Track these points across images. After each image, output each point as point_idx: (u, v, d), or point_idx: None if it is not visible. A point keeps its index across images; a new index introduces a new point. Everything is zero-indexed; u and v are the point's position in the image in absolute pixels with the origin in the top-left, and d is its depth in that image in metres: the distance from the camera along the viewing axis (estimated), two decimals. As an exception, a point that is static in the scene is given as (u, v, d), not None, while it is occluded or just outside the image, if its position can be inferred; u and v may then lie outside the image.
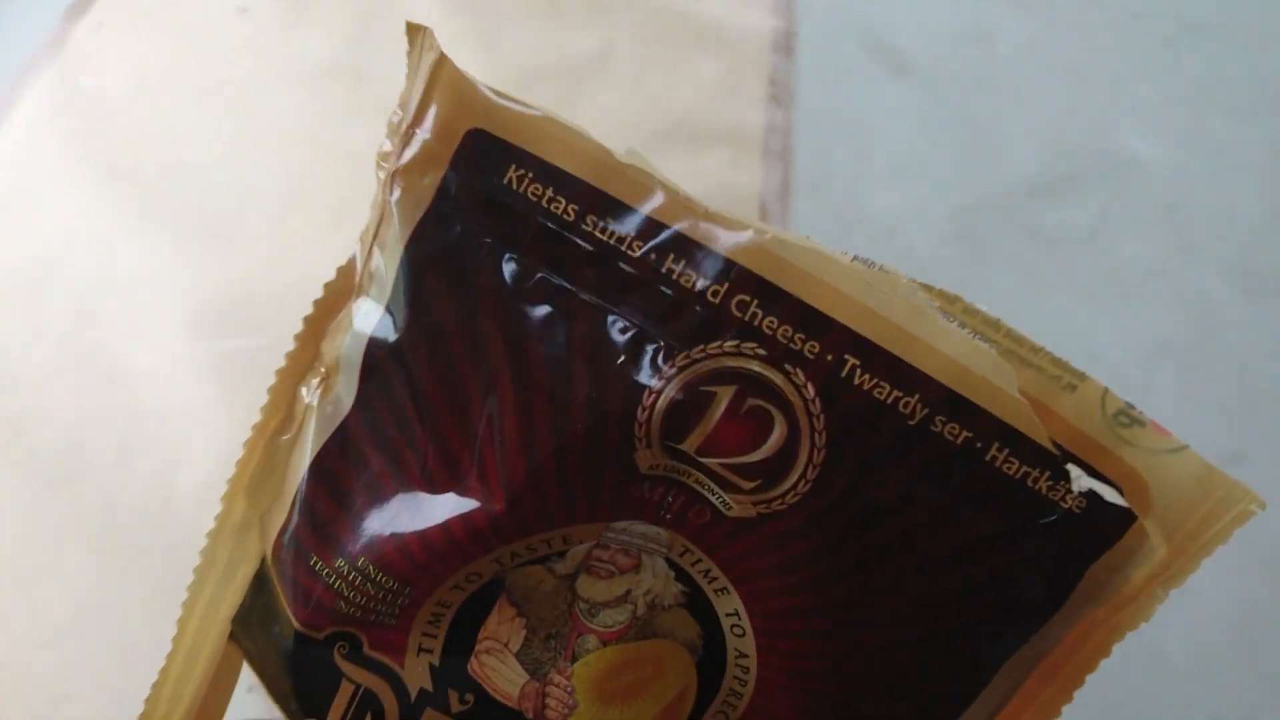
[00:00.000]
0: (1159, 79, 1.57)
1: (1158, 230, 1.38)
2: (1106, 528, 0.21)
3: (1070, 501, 0.21)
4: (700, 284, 0.25)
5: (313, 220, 1.39)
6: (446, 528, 0.27)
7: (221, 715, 0.32)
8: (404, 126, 0.27)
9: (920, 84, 1.56)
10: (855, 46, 1.62)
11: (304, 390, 0.28)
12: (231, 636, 0.28)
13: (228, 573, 0.28)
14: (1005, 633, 0.23)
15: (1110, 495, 0.21)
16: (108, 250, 1.36)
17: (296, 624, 0.27)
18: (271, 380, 0.30)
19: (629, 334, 0.26)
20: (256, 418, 0.30)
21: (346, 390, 0.28)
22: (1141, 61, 1.59)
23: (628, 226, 0.27)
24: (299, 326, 0.32)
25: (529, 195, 0.26)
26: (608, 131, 1.25)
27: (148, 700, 0.31)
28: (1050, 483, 0.21)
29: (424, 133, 0.25)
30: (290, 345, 0.31)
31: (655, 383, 0.25)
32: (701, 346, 0.25)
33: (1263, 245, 1.37)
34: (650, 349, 0.26)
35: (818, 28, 1.66)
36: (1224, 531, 0.22)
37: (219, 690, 0.30)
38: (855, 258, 0.26)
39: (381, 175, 0.27)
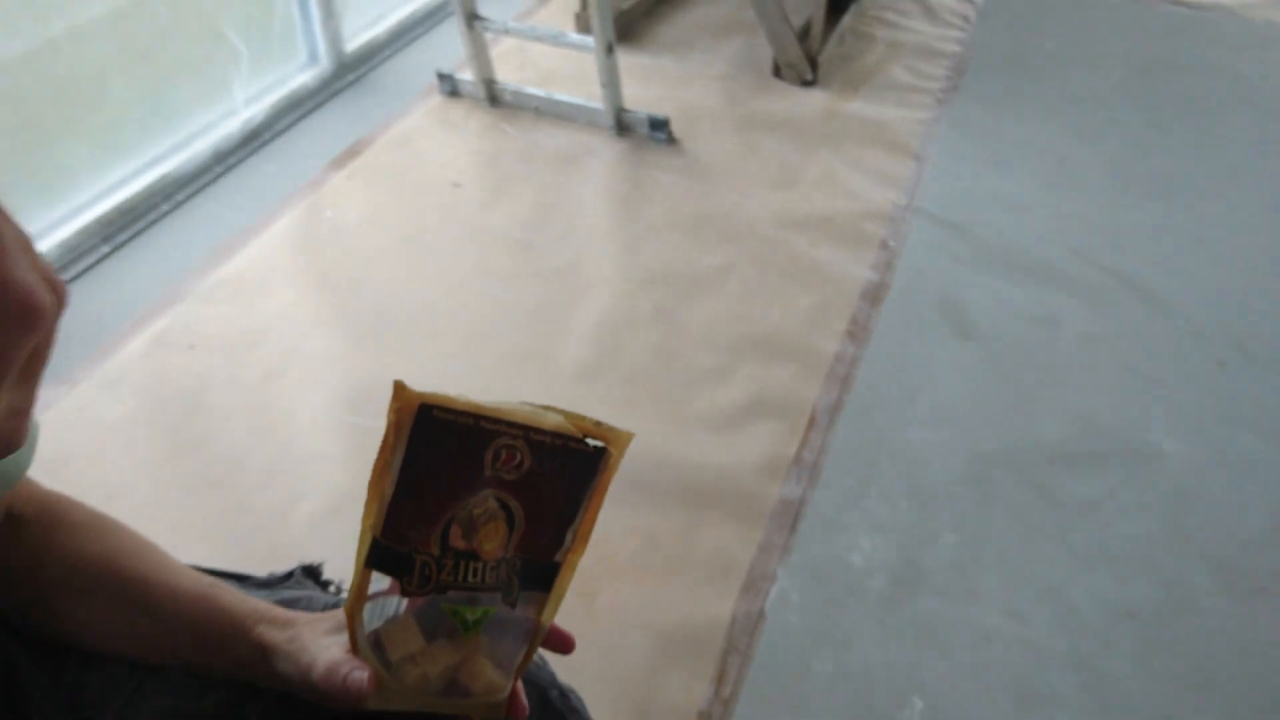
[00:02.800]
0: (1201, 390, 1.74)
1: (1159, 516, 1.53)
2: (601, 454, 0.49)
3: (590, 447, 0.49)
4: None
5: (452, 347, 1.76)
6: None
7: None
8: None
9: (980, 348, 1.80)
10: (934, 309, 1.89)
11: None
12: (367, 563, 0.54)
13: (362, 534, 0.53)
14: (582, 490, 0.50)
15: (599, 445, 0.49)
16: (303, 333, 1.77)
17: (379, 536, 0.53)
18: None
19: None
20: (366, 477, 0.55)
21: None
22: (1189, 372, 1.78)
23: None
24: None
25: None
26: (708, 330, 1.65)
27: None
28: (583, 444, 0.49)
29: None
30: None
31: None
32: None
33: (1264, 553, 1.49)
34: None
35: (908, 288, 1.94)
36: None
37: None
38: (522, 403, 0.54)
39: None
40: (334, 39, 2.48)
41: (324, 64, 2.48)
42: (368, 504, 0.53)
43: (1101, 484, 1.57)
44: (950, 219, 2.13)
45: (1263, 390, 1.75)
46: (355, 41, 2.58)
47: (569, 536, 0.58)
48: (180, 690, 0.62)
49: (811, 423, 1.65)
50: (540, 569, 0.57)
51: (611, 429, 0.57)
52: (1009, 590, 1.41)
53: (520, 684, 0.59)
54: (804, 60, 2.55)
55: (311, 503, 1.46)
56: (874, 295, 1.92)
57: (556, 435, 0.55)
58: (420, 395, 0.51)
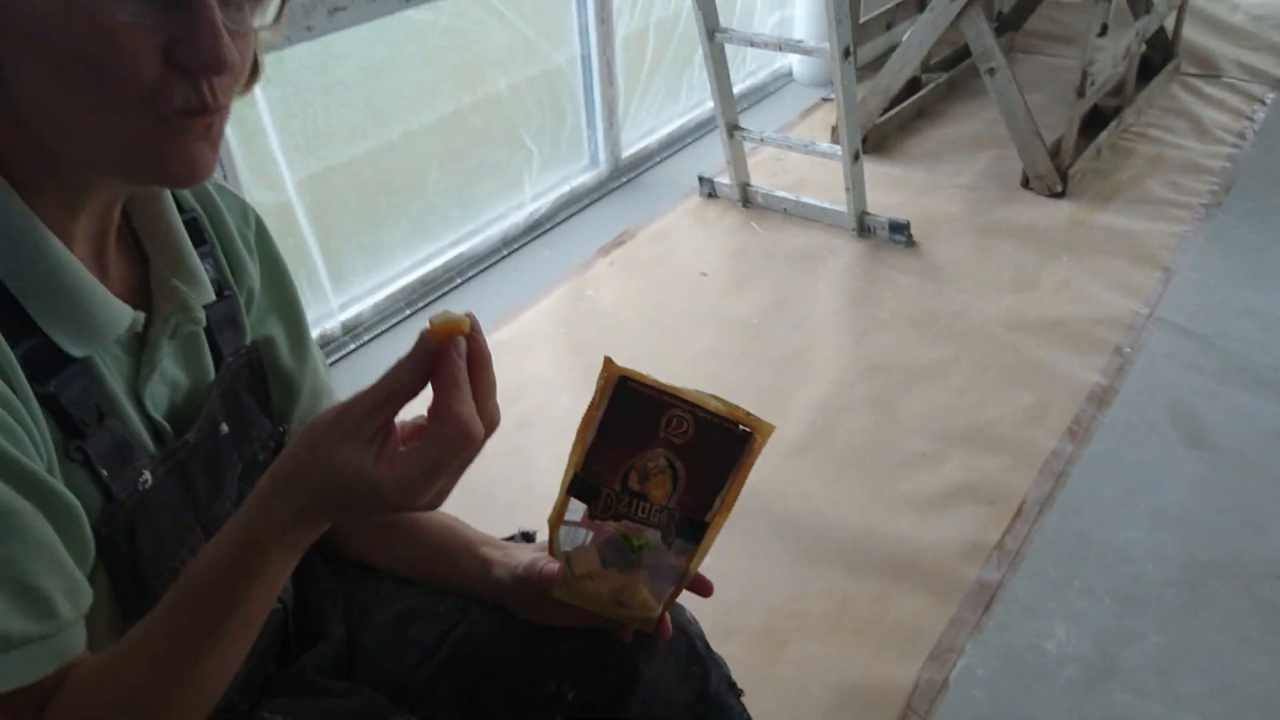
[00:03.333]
0: None
1: None
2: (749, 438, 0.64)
3: (740, 430, 0.64)
4: None
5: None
6: None
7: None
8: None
9: (1210, 457, 1.75)
10: (1164, 415, 1.86)
11: None
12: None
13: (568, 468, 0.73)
14: (732, 464, 0.65)
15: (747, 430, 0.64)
16: (554, 393, 2.03)
17: (579, 471, 0.72)
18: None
19: None
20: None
21: None
22: None
23: None
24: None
25: None
26: (922, 418, 1.79)
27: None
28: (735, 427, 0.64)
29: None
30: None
31: None
32: None
33: None
34: None
35: (1138, 394, 1.92)
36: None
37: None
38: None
39: None
40: (613, 146, 2.83)
41: (603, 167, 2.83)
42: (574, 446, 0.72)
43: (1336, 608, 1.48)
44: (1195, 330, 2.08)
45: None
46: (631, 148, 2.92)
47: (718, 502, 0.73)
48: (424, 596, 0.83)
49: (1019, 513, 1.67)
50: (693, 524, 0.73)
51: (759, 420, 0.72)
52: (1212, 698, 1.36)
53: (668, 615, 0.75)
54: (1054, 172, 2.59)
55: (543, 536, 1.67)
56: (1101, 398, 1.91)
57: (717, 415, 0.71)
58: (622, 369, 0.70)
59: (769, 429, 0.72)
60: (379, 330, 2.22)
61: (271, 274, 0.78)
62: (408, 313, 2.28)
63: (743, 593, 1.55)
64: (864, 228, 2.48)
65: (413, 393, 0.58)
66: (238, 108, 0.62)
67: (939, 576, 1.57)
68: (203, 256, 0.70)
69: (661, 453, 0.71)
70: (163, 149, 0.55)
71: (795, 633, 1.50)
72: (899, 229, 2.43)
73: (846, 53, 2.20)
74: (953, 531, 1.65)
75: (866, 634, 1.50)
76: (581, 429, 0.71)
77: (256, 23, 0.57)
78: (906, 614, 1.52)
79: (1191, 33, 3.59)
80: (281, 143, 1.93)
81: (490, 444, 0.61)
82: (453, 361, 0.57)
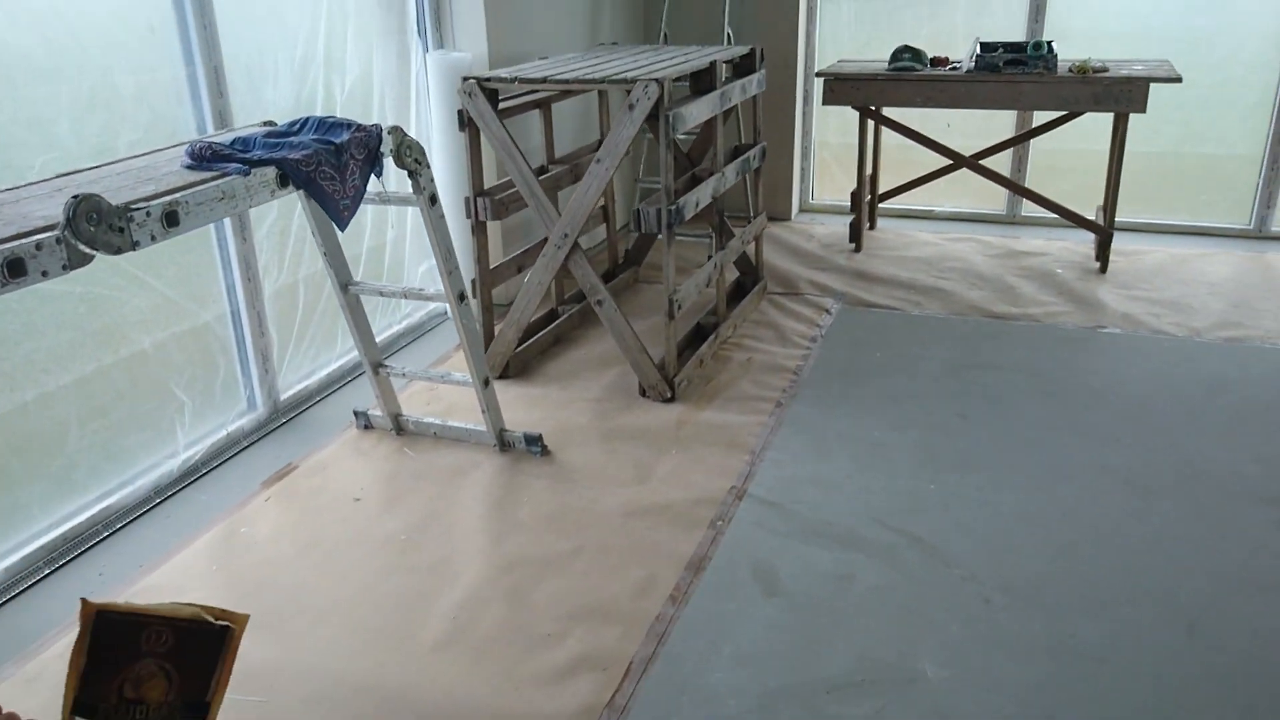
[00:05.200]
0: (967, 623, 2.04)
1: (921, 731, 1.77)
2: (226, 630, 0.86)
3: (218, 625, 0.85)
4: None
5: (331, 631, 2.06)
6: None
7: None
8: None
9: (782, 603, 2.12)
10: (748, 572, 2.22)
11: None
12: None
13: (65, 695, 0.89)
14: (218, 652, 0.85)
15: None
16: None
17: (77, 694, 0.89)
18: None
19: None
20: None
21: None
22: (958, 609, 2.08)
23: None
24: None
25: None
26: (552, 603, 2.00)
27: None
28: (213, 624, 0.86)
29: None
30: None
31: None
32: None
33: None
34: None
35: (727, 558, 2.28)
36: None
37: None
38: None
39: None
40: (270, 390, 2.99)
41: (260, 410, 2.98)
42: (69, 676, 0.89)
43: (871, 706, 1.83)
44: (773, 499, 2.51)
45: (1019, 620, 2.05)
46: (290, 390, 3.10)
47: (213, 684, 0.93)
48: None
49: (627, 672, 1.93)
50: (195, 707, 0.92)
51: (234, 613, 0.94)
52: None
53: None
54: (663, 381, 3.06)
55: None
56: (697, 565, 2.26)
57: (192, 620, 0.92)
58: (98, 604, 0.90)
59: (243, 619, 0.95)
60: (13, 593, 2.18)
61: None
62: (47, 571, 2.26)
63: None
64: (504, 443, 2.78)
65: None
66: None
67: (560, 741, 1.77)
68: None
69: (150, 662, 0.91)
70: None
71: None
72: (533, 441, 2.75)
73: (461, 297, 2.56)
74: (573, 699, 1.86)
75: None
76: (72, 660, 0.90)
77: None
78: (531, 779, 1.69)
79: (777, 259, 4.40)
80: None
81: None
82: None
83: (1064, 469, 2.63)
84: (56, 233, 1.49)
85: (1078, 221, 4.26)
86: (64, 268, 1.50)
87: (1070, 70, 3.92)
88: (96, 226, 1.54)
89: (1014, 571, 2.21)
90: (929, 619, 2.06)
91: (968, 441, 2.79)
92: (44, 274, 1.47)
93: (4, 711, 0.93)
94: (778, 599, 2.14)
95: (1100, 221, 4.21)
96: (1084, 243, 4.50)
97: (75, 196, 1.51)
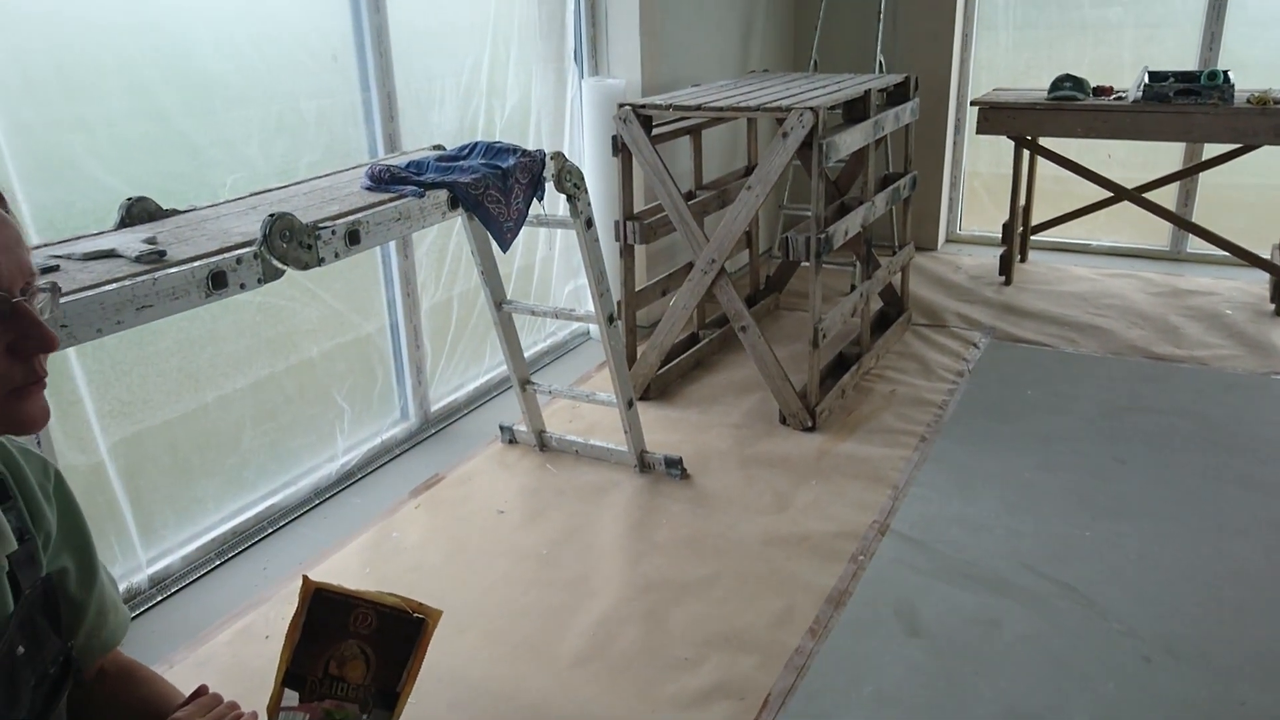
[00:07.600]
0: (1124, 683, 1.94)
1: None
2: (421, 622, 0.91)
3: (414, 617, 0.91)
4: None
5: (474, 640, 2.13)
6: None
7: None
8: None
9: (926, 644, 2.07)
10: (890, 610, 2.18)
11: None
12: None
13: (279, 664, 0.96)
14: (412, 644, 0.90)
15: None
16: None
17: (289, 666, 0.95)
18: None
19: None
20: None
21: None
22: (1115, 667, 1.98)
23: None
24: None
25: None
26: (688, 627, 2.04)
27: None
28: (410, 615, 0.91)
29: None
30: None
31: None
32: None
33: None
34: None
35: (869, 594, 2.24)
36: None
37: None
38: None
39: None
40: (422, 401, 3.12)
41: (413, 420, 3.10)
42: (283, 647, 0.95)
43: (1019, 761, 1.76)
44: (915, 537, 2.46)
45: (1182, 682, 1.94)
46: (440, 403, 3.22)
47: (404, 675, 0.97)
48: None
49: (765, 704, 1.91)
50: (385, 695, 0.96)
51: (429, 607, 0.98)
52: None
53: None
54: (804, 410, 3.03)
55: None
56: (838, 600, 2.22)
57: (394, 609, 0.96)
58: (317, 583, 0.95)
59: (438, 614, 0.99)
60: (188, 580, 2.33)
61: (66, 516, 0.99)
62: (217, 563, 2.41)
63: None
64: (644, 464, 2.81)
65: None
66: (54, 381, 0.88)
67: (697, 766, 1.77)
68: (7, 510, 0.90)
69: (354, 643, 0.96)
70: (10, 414, 0.79)
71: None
72: (674, 464, 2.77)
73: (610, 319, 2.61)
74: (709, 725, 1.87)
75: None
76: (289, 633, 0.95)
77: (39, 304, 0.83)
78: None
79: (922, 290, 4.31)
80: (97, 409, 2.12)
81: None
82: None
83: (1233, 523, 2.48)
84: (254, 248, 1.61)
85: (1251, 260, 4.02)
86: (259, 281, 1.61)
87: (1249, 101, 3.72)
88: (288, 243, 1.64)
89: (1177, 629, 2.09)
90: (1082, 674, 1.98)
91: (1125, 488, 2.67)
92: (241, 286, 1.58)
93: (204, 688, 0.99)
94: (920, 640, 2.09)
95: (1277, 261, 3.96)
96: (1257, 283, 4.25)
97: (271, 215, 1.62)
